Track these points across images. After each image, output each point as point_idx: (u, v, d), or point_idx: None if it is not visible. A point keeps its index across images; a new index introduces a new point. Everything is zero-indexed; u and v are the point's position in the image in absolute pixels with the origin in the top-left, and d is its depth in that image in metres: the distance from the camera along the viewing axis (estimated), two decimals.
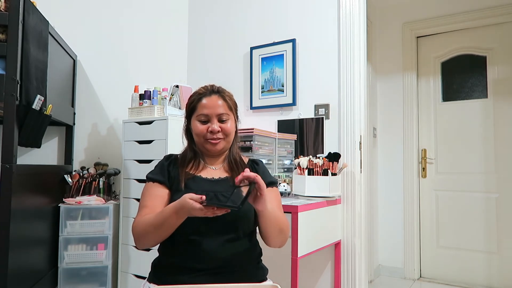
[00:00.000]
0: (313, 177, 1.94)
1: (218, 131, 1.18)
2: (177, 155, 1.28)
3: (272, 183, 1.22)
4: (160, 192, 1.15)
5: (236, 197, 0.97)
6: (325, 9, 2.32)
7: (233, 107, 1.24)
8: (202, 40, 2.92)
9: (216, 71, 2.80)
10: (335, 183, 2.01)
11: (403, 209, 3.25)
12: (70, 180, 2.32)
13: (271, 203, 1.08)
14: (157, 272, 1.15)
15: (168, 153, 1.37)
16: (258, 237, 1.20)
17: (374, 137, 3.32)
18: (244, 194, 0.96)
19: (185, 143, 1.29)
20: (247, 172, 0.97)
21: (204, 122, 1.19)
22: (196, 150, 1.24)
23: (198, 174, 1.20)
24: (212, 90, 1.22)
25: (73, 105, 2.53)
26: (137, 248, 1.13)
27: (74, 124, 2.54)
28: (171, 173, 1.20)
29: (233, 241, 1.11)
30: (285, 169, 2.28)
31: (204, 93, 1.21)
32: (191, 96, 1.25)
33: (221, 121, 1.19)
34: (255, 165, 1.28)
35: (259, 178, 0.96)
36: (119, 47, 2.73)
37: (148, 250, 2.13)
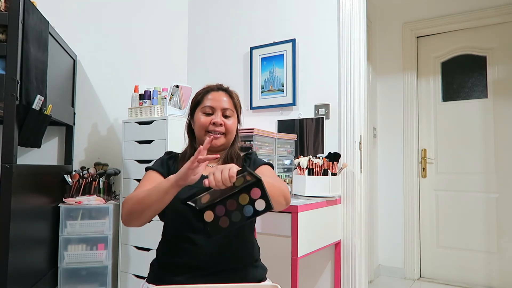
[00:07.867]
0: (313, 177, 1.94)
1: (221, 124, 1.21)
2: (177, 153, 1.30)
3: (264, 164, 1.24)
4: (158, 180, 1.15)
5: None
6: (325, 9, 2.32)
7: (238, 106, 1.29)
8: (202, 40, 2.92)
9: (216, 71, 2.80)
10: (335, 183, 2.01)
11: (403, 209, 3.25)
12: (70, 180, 2.32)
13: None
14: (156, 273, 1.15)
15: (169, 150, 1.38)
16: (258, 237, 1.19)
17: (374, 137, 3.32)
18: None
19: (187, 141, 1.31)
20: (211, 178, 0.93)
21: (208, 115, 1.22)
22: (196, 147, 1.24)
23: None
24: (220, 88, 1.27)
25: (73, 105, 2.53)
26: (124, 224, 1.07)
27: (74, 124, 2.54)
28: (170, 168, 1.22)
29: (230, 239, 1.12)
30: (285, 169, 2.28)
31: (212, 88, 1.26)
32: (198, 92, 1.28)
33: (224, 116, 1.23)
34: (247, 159, 1.29)
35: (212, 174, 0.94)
36: (119, 47, 2.73)
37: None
